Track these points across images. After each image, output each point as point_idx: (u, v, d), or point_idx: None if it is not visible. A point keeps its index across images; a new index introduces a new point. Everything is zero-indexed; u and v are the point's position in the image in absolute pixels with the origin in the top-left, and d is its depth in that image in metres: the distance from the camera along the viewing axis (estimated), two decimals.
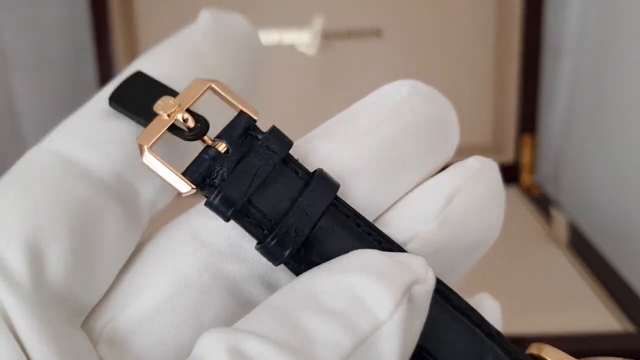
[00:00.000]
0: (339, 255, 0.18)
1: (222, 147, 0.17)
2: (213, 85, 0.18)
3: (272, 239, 0.17)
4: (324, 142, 0.20)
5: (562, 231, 0.61)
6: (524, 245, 0.62)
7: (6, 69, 0.71)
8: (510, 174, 0.74)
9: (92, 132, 0.18)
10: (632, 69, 0.59)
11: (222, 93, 0.18)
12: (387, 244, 0.19)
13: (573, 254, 0.58)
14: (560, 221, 0.63)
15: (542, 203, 0.69)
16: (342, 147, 0.19)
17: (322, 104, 0.71)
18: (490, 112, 0.76)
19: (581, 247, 0.59)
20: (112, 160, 0.18)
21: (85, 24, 0.70)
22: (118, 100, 0.19)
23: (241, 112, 0.18)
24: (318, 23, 0.71)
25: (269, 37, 0.71)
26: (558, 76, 0.73)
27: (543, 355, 0.20)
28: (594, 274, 0.54)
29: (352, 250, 0.18)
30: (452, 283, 0.20)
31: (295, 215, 0.17)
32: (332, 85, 0.73)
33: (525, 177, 0.73)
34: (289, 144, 0.18)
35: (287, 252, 0.17)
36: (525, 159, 0.73)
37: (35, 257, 0.16)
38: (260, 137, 0.18)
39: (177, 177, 0.17)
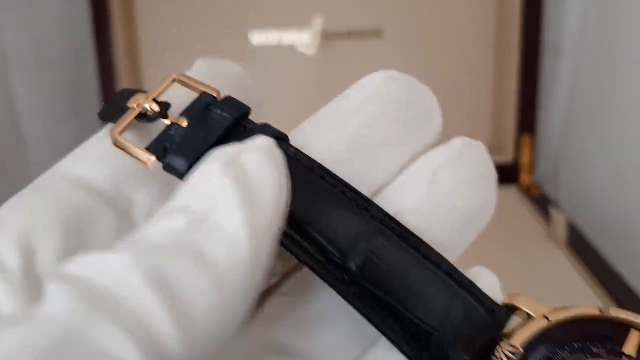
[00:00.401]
0: None
1: (184, 123, 0.20)
2: (177, 77, 0.21)
3: None
4: (310, 130, 0.22)
5: (561, 231, 0.61)
6: (524, 245, 0.62)
7: (6, 69, 0.71)
8: (509, 174, 0.74)
9: (89, 148, 0.20)
10: (632, 69, 0.59)
11: (186, 81, 0.21)
12: (351, 193, 0.20)
13: (572, 254, 0.58)
14: (559, 221, 0.63)
15: (542, 203, 0.69)
16: (325, 134, 0.21)
17: (322, 104, 0.71)
18: (489, 112, 0.76)
19: (580, 247, 0.59)
20: (108, 171, 0.20)
21: (85, 24, 0.70)
22: (106, 115, 0.21)
23: (203, 93, 0.21)
24: (318, 23, 0.71)
25: (269, 37, 0.71)
26: (558, 76, 0.73)
27: (516, 304, 0.21)
28: (593, 273, 0.54)
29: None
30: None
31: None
32: (332, 85, 0.73)
33: (525, 177, 0.73)
34: (244, 108, 0.21)
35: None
36: (525, 159, 0.73)
37: (27, 252, 0.17)
38: (218, 109, 0.20)
39: (142, 151, 0.19)
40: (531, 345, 0.20)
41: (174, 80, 0.21)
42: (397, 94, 0.22)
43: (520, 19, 0.70)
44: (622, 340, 0.20)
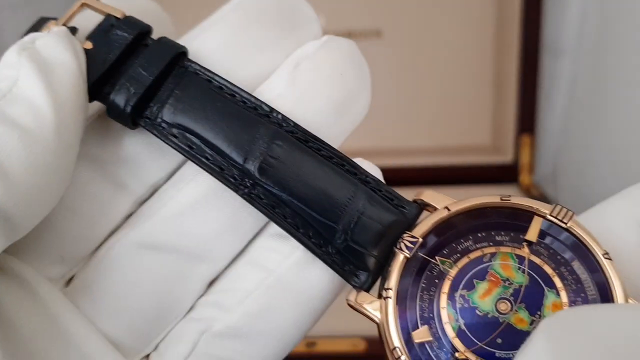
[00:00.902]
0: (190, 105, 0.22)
1: (88, 45, 0.22)
2: (84, 1, 0.23)
3: (112, 95, 0.22)
4: (193, 32, 0.24)
5: None
6: None
7: None
8: (509, 174, 0.74)
9: None
10: (631, 69, 0.59)
11: (92, 4, 0.23)
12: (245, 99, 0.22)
13: None
14: None
15: None
16: (203, 32, 0.24)
17: None
18: (489, 112, 0.76)
19: None
20: None
21: None
22: None
23: (107, 16, 0.23)
24: None
25: None
26: (557, 76, 0.73)
27: (422, 198, 0.22)
28: None
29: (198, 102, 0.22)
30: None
31: (133, 72, 0.22)
32: None
33: (524, 177, 0.73)
34: (143, 26, 0.23)
35: (129, 106, 0.21)
36: (524, 159, 0.73)
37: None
38: (119, 30, 0.22)
39: None
40: (431, 235, 0.21)
41: (82, 5, 0.23)
42: (266, 2, 0.24)
43: (519, 20, 0.70)
44: (525, 227, 0.20)
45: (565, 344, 0.14)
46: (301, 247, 0.21)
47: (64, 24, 0.23)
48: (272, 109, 0.22)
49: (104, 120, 0.23)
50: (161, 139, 0.22)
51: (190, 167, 0.22)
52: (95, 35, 0.22)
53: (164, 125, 0.22)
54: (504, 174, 0.74)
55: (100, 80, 0.22)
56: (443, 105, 0.74)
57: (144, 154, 0.23)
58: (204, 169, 0.22)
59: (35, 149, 0.19)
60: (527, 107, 0.72)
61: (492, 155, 0.76)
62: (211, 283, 0.23)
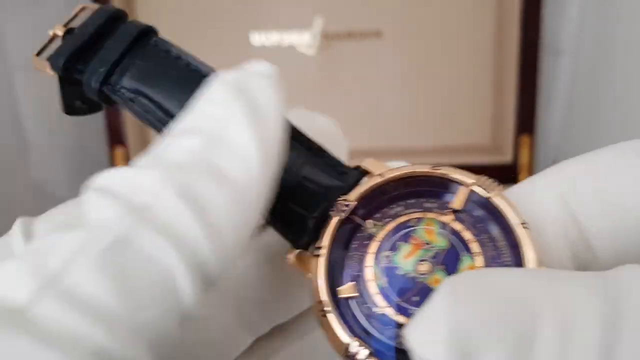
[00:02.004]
0: (154, 77, 0.24)
1: (59, 32, 0.25)
2: (84, 5, 0.25)
3: (85, 75, 0.24)
4: None
5: None
6: None
7: (8, 69, 0.72)
8: (508, 174, 0.74)
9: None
10: (630, 70, 0.59)
11: (92, 7, 0.25)
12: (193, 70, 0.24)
13: None
14: None
15: None
16: None
17: (322, 104, 0.72)
18: (488, 112, 0.76)
19: None
20: None
21: None
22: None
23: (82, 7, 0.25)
24: (318, 24, 0.71)
25: (269, 38, 0.72)
26: (557, 77, 0.73)
27: (363, 165, 0.23)
28: None
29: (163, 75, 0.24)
30: None
31: (102, 52, 0.24)
32: (332, 85, 0.74)
33: (524, 177, 0.73)
34: (114, 11, 0.25)
35: (97, 82, 0.24)
36: (524, 159, 0.73)
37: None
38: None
39: (42, 61, 0.24)
40: (365, 200, 0.22)
41: (83, 8, 0.25)
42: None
43: (519, 20, 0.70)
44: (452, 196, 0.22)
45: (459, 299, 0.15)
46: None
47: (67, 25, 0.24)
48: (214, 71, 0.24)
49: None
50: (120, 103, 0.24)
51: None
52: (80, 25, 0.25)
53: (123, 91, 0.24)
54: (504, 174, 0.74)
55: (73, 58, 0.25)
56: (442, 105, 0.74)
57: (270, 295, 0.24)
58: (157, 131, 0.23)
59: (243, 205, 0.18)
60: (527, 107, 0.72)
61: (492, 155, 0.76)
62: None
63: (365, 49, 0.73)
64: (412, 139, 0.74)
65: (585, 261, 0.20)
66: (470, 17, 0.73)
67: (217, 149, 0.18)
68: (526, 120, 0.72)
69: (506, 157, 0.74)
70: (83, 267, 0.15)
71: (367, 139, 0.75)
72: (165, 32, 0.25)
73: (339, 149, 0.25)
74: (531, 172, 0.74)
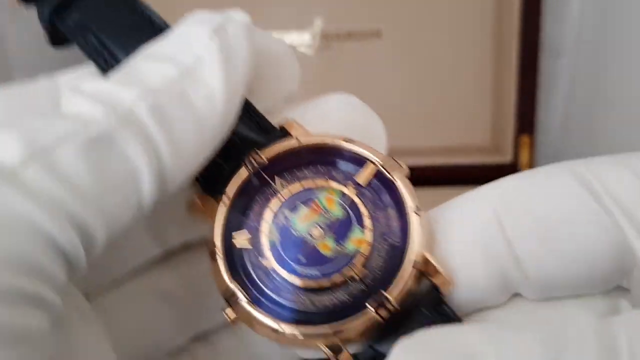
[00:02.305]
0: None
1: None
2: None
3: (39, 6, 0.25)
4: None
5: None
6: None
7: (8, 70, 0.72)
8: (508, 174, 0.74)
9: None
10: (630, 70, 0.59)
11: None
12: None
13: None
14: None
15: None
16: None
17: None
18: (488, 112, 0.76)
19: None
20: None
21: None
22: None
23: None
24: (318, 24, 0.71)
25: None
26: (556, 77, 0.73)
27: (286, 126, 0.24)
28: None
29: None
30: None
31: None
32: (332, 85, 0.73)
33: None
34: None
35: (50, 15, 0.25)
36: (524, 159, 0.73)
37: None
38: None
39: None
40: (278, 159, 0.23)
41: None
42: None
43: (519, 20, 0.70)
44: (359, 170, 0.23)
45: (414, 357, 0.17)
46: None
47: None
48: (167, 24, 0.25)
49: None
50: (69, 37, 0.25)
51: None
52: None
53: (71, 24, 0.25)
54: (503, 174, 0.74)
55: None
56: (442, 105, 0.74)
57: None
58: (100, 70, 0.24)
59: (203, 133, 0.21)
60: (527, 107, 0.72)
61: (492, 155, 0.76)
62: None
63: (365, 49, 0.73)
64: (412, 139, 0.74)
65: (516, 280, 0.21)
66: (469, 17, 0.73)
67: (191, 82, 0.21)
68: (526, 120, 0.72)
69: (506, 158, 0.74)
70: (70, 148, 0.18)
71: None
72: None
73: (289, 70, 0.27)
74: None
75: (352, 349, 0.22)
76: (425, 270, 0.21)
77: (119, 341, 0.24)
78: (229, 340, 0.27)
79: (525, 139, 0.73)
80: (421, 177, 0.76)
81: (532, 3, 0.69)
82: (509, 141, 0.74)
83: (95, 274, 0.23)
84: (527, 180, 0.22)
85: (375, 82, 0.73)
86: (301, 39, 0.72)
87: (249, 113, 0.24)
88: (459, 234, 0.21)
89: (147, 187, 0.20)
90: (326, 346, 0.21)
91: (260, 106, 0.25)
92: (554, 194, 0.21)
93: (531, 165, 0.73)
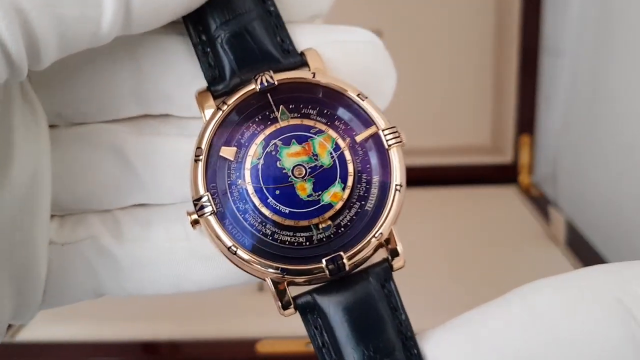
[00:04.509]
0: None
1: None
2: None
3: None
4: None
5: (560, 230, 0.62)
6: (523, 243, 0.62)
7: None
8: (508, 174, 0.74)
9: None
10: (629, 70, 0.59)
11: None
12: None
13: (571, 253, 0.59)
14: (558, 221, 0.63)
15: (541, 203, 0.69)
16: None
17: None
18: (488, 113, 0.76)
19: (579, 246, 0.59)
20: None
21: None
22: None
23: None
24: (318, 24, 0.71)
25: None
26: (556, 77, 0.73)
27: (307, 54, 0.24)
28: None
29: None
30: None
31: None
32: None
33: (524, 178, 0.74)
34: None
35: None
36: (524, 159, 0.73)
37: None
38: None
39: None
40: (287, 87, 0.23)
41: None
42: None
43: (519, 21, 0.70)
44: (361, 128, 0.23)
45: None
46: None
47: None
48: None
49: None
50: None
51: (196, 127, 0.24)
52: None
53: None
54: (504, 174, 0.74)
55: None
56: (443, 105, 0.74)
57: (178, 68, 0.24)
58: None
59: None
60: (527, 107, 0.72)
61: (492, 155, 0.76)
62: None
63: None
64: (412, 139, 0.74)
65: None
66: (470, 17, 0.73)
67: None
68: (526, 120, 0.72)
69: (506, 157, 0.74)
70: None
71: None
72: None
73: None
74: (531, 172, 0.74)
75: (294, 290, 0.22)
76: (385, 244, 0.22)
77: (58, 176, 0.24)
78: (141, 231, 0.25)
79: (525, 139, 0.73)
80: (421, 177, 0.76)
81: (532, 3, 0.69)
82: (509, 141, 0.74)
83: (68, 110, 0.23)
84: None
85: None
86: None
87: (277, 27, 0.24)
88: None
89: (109, 12, 0.19)
90: (271, 280, 0.22)
91: (285, 14, 0.24)
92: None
93: (531, 165, 0.73)
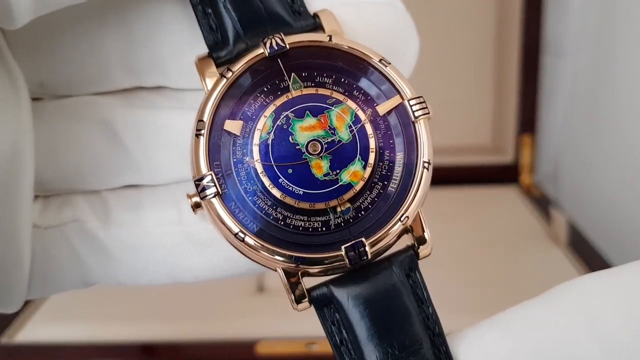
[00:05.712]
0: None
1: None
2: None
3: None
4: None
5: (561, 230, 0.61)
6: (524, 244, 0.62)
7: None
8: (510, 174, 0.74)
9: None
10: (630, 70, 0.59)
11: None
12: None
13: (572, 253, 0.59)
14: (559, 221, 0.63)
15: (542, 203, 0.69)
16: None
17: None
18: (490, 112, 0.76)
19: (580, 246, 0.59)
20: None
21: None
22: None
23: None
24: None
25: None
26: (557, 77, 0.73)
27: (320, 15, 0.21)
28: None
29: None
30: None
31: None
32: None
33: (525, 177, 0.73)
34: None
35: None
36: (525, 159, 0.73)
37: None
38: None
39: None
40: (300, 50, 0.20)
41: None
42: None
43: (520, 20, 0.70)
44: (384, 99, 0.20)
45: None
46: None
47: None
48: None
49: None
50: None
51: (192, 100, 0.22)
52: None
53: None
54: (505, 174, 0.74)
55: None
56: (444, 105, 0.74)
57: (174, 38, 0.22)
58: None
59: None
60: (528, 107, 0.72)
61: (493, 155, 0.76)
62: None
63: None
64: None
65: None
66: (471, 17, 0.73)
67: None
68: (527, 120, 0.72)
69: (507, 157, 0.74)
70: None
71: None
72: None
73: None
74: (532, 172, 0.74)
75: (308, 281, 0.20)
76: (410, 229, 0.20)
77: (41, 153, 0.21)
78: (130, 215, 0.23)
79: (526, 139, 0.72)
80: None
81: (533, 3, 0.69)
82: (510, 141, 0.74)
83: (50, 78, 0.21)
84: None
85: None
86: None
87: None
88: None
89: None
90: (283, 270, 0.19)
91: None
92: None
93: (532, 165, 0.73)
